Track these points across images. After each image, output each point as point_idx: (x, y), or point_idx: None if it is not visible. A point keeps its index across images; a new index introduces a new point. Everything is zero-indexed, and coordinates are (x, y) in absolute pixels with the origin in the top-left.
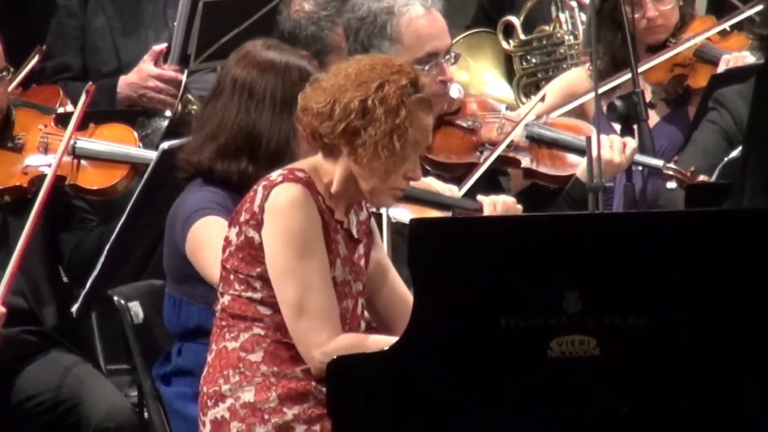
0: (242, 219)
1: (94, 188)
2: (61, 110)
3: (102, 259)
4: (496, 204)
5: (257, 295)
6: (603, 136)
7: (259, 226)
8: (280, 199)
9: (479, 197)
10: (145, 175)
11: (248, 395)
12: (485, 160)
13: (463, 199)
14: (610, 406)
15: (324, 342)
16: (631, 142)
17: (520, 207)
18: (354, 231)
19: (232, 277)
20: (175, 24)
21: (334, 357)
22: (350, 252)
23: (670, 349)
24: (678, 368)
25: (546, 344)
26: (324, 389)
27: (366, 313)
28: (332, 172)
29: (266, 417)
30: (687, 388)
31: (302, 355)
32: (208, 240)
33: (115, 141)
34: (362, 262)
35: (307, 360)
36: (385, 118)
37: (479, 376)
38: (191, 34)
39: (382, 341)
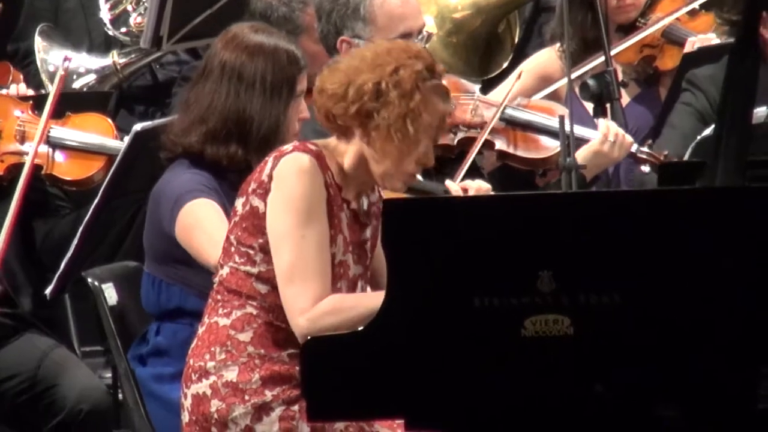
0: (250, 189)
1: (70, 179)
2: (13, 87)
3: (75, 241)
4: (469, 188)
5: (255, 269)
6: (609, 126)
7: (265, 194)
8: (287, 166)
9: (449, 182)
10: (118, 157)
11: (231, 374)
12: (461, 143)
13: (436, 185)
14: (585, 385)
15: (308, 307)
16: (629, 138)
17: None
18: (362, 214)
19: (233, 249)
20: (147, 5)
21: (318, 323)
22: (354, 234)
23: (644, 326)
24: (651, 346)
25: (520, 323)
26: None
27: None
28: (344, 153)
29: (246, 398)
30: (661, 366)
31: (289, 322)
32: (199, 223)
33: (92, 131)
34: (368, 246)
35: (294, 327)
36: (399, 101)
37: (453, 355)
38: (164, 15)
39: (364, 300)
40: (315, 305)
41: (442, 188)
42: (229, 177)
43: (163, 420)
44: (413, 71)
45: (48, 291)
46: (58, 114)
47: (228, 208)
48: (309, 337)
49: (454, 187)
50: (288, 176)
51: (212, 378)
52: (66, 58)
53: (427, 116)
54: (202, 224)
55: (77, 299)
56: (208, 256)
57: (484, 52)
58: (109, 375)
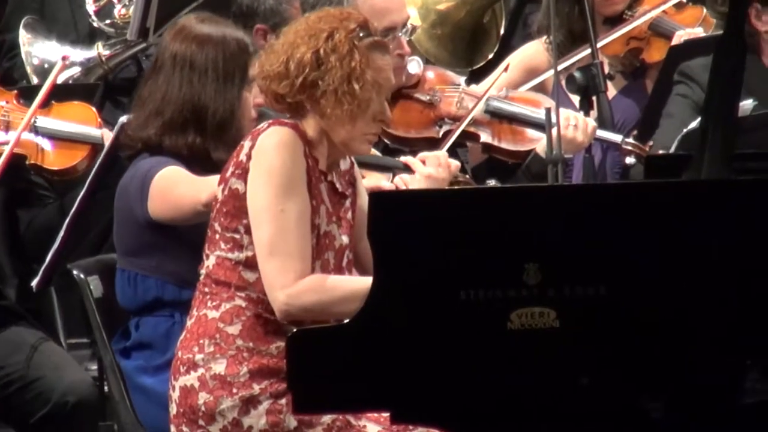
0: (228, 174)
1: (55, 168)
2: None
3: (61, 234)
4: (427, 160)
5: (242, 255)
6: (569, 114)
7: (245, 174)
8: (267, 141)
9: (405, 158)
10: (105, 149)
11: (220, 367)
12: (446, 135)
13: (387, 158)
14: (571, 378)
15: (290, 283)
16: (591, 122)
17: (456, 162)
18: (338, 185)
19: (218, 236)
20: None
21: (299, 299)
22: (336, 206)
23: (630, 320)
24: (637, 339)
25: (506, 316)
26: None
27: (352, 268)
28: (307, 130)
29: (234, 390)
30: (646, 359)
31: (268, 296)
32: (174, 181)
33: (77, 120)
34: (349, 215)
35: (272, 301)
36: (339, 64)
37: (439, 348)
38: (150, 7)
39: (347, 282)
40: (296, 281)
41: (393, 161)
42: (190, 167)
43: (149, 412)
44: (347, 32)
45: (34, 283)
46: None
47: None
48: (294, 330)
49: (412, 160)
50: (267, 150)
51: (200, 370)
52: (64, 57)
53: (371, 72)
54: (178, 181)
55: (63, 291)
56: (192, 203)
57: (470, 42)
58: (95, 367)
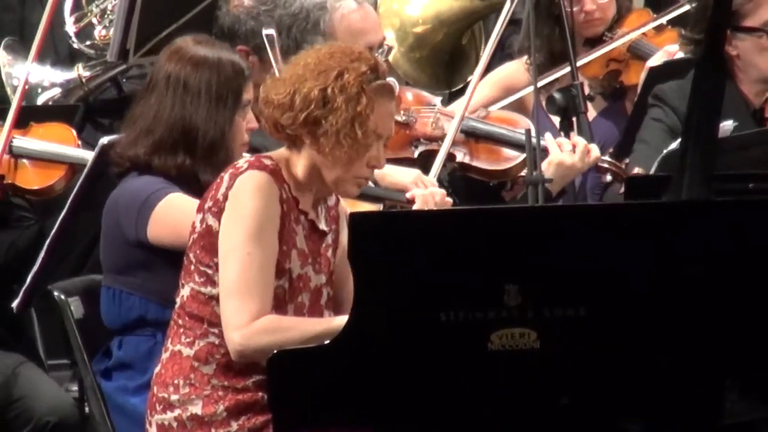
0: (206, 206)
1: (32, 188)
2: None
3: (42, 255)
4: (428, 200)
5: (215, 291)
6: (564, 140)
7: (220, 213)
8: (243, 185)
9: (414, 191)
10: (85, 170)
11: (196, 408)
12: (421, 156)
13: (393, 192)
14: (551, 398)
15: (245, 324)
16: (596, 150)
17: (450, 200)
18: (321, 223)
19: (192, 267)
20: (113, 18)
21: (253, 340)
22: (313, 244)
23: (610, 340)
24: (617, 359)
25: (486, 337)
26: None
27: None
28: (297, 163)
29: (213, 430)
30: (626, 379)
31: (225, 336)
32: (181, 212)
33: (54, 140)
34: (329, 253)
35: (227, 342)
36: (345, 106)
37: (420, 369)
38: (130, 28)
39: (303, 324)
40: (252, 322)
41: (397, 194)
42: (182, 187)
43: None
44: (357, 74)
45: (14, 305)
46: (21, 124)
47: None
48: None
49: (418, 194)
50: (242, 194)
51: (177, 411)
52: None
53: (375, 118)
54: (185, 211)
55: (44, 313)
56: None
57: (449, 65)
58: (75, 388)
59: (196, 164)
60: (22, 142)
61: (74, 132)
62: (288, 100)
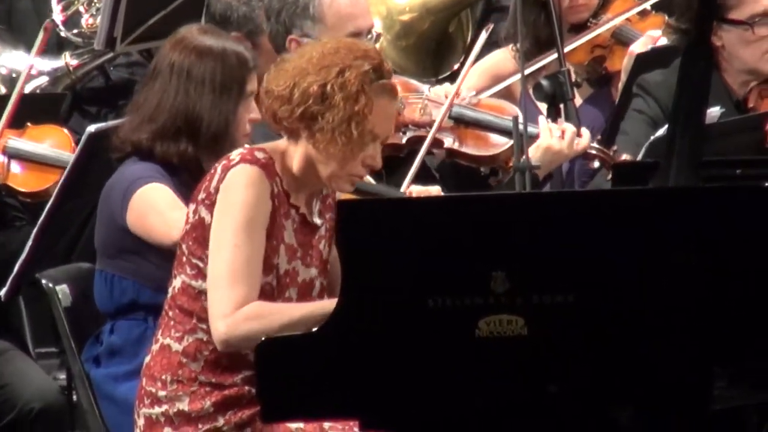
0: (200, 197)
1: (26, 191)
2: None
3: (30, 243)
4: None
5: (204, 285)
6: (554, 125)
7: (212, 206)
8: (234, 179)
9: (411, 188)
10: (73, 158)
11: (183, 404)
12: (409, 142)
13: (388, 188)
14: (539, 385)
15: (229, 312)
16: (586, 137)
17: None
18: (315, 217)
19: (185, 258)
20: (100, 7)
21: (238, 328)
22: (304, 237)
23: (598, 327)
24: (605, 346)
25: (474, 324)
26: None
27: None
28: (293, 155)
29: (200, 426)
30: (614, 366)
31: (210, 326)
32: (152, 206)
33: (50, 143)
34: (321, 245)
35: (213, 331)
36: (343, 104)
37: (407, 356)
38: (117, 16)
39: (288, 309)
40: (236, 311)
41: (393, 191)
42: (179, 174)
43: (118, 420)
44: (359, 73)
45: (2, 293)
46: (17, 123)
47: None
48: (263, 338)
49: (415, 192)
50: (233, 187)
51: (164, 407)
52: (30, 66)
53: (373, 118)
54: (155, 206)
55: (31, 301)
56: (161, 237)
57: (436, 53)
58: (63, 376)
59: (199, 152)
60: (17, 143)
61: (71, 137)
62: (287, 93)
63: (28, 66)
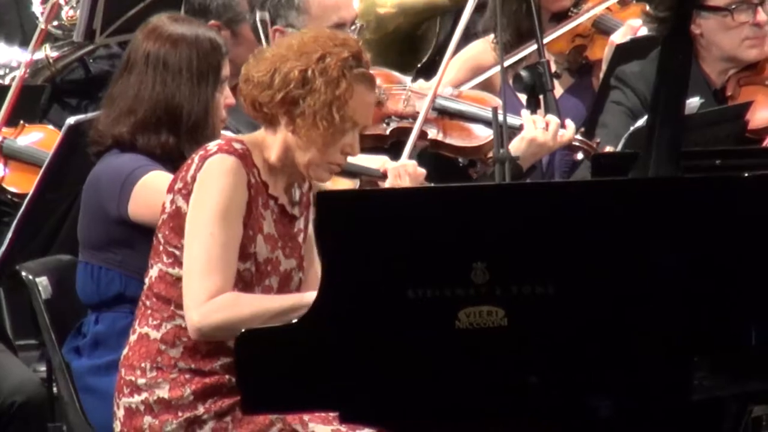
0: (176, 187)
1: (15, 191)
2: None
3: (9, 235)
4: (400, 172)
5: (181, 272)
6: (538, 117)
7: (188, 195)
8: (211, 169)
9: (386, 164)
10: (52, 150)
11: (162, 392)
12: (393, 133)
13: (366, 166)
14: (519, 377)
15: (203, 301)
16: (570, 129)
17: (423, 171)
18: (292, 207)
19: (161, 248)
20: None
21: (211, 317)
22: (284, 228)
23: (577, 318)
24: (585, 337)
25: (454, 315)
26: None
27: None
28: (271, 146)
29: (179, 414)
30: (594, 357)
31: (185, 314)
32: (160, 191)
33: (44, 145)
34: (300, 237)
35: (187, 320)
36: (324, 88)
37: (387, 347)
38: (96, 8)
39: (263, 301)
40: (210, 300)
41: (371, 169)
42: (163, 166)
43: (98, 412)
44: (339, 59)
45: None
46: (11, 123)
47: None
48: (243, 330)
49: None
50: (209, 177)
51: (144, 395)
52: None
53: (353, 104)
54: (164, 191)
55: (11, 292)
56: None
57: (401, 50)
58: (43, 369)
59: (181, 143)
60: (11, 143)
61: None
62: (268, 78)
63: (18, 62)
